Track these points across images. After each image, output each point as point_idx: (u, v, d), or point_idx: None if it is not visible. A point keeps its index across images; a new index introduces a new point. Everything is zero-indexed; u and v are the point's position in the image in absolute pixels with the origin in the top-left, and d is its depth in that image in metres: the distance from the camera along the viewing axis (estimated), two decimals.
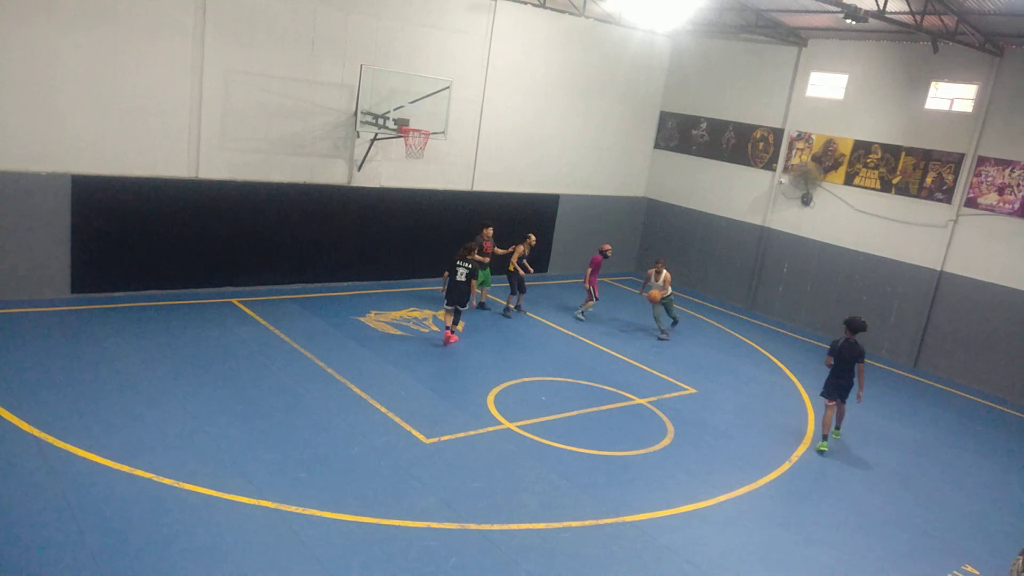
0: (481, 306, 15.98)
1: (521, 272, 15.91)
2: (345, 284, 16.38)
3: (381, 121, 15.21)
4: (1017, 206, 15.11)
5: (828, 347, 11.94)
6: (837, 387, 11.44)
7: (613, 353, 14.58)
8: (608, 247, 16.73)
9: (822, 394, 11.63)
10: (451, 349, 13.42)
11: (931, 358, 16.34)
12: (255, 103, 14.51)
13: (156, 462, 8.50)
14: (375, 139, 15.77)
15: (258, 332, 12.96)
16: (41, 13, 12.12)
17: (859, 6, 13.37)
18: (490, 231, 15.66)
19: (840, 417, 11.84)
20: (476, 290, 15.24)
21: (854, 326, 11.26)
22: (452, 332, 13.57)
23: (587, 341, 15.07)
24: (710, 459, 10.74)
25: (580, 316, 16.35)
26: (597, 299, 16.46)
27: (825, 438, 11.51)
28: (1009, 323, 15.20)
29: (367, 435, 9.90)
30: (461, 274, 13.39)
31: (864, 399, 13.94)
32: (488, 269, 15.69)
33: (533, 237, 16.39)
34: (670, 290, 15.90)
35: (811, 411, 13.14)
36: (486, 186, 18.31)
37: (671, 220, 21.18)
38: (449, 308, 13.59)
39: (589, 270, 16.21)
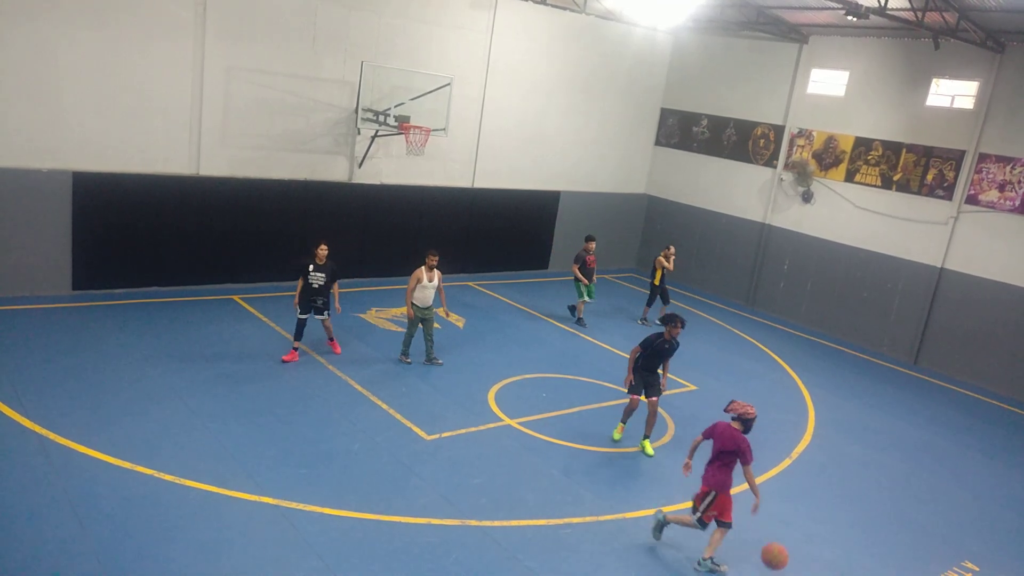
0: (580, 321, 15.81)
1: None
2: (345, 281, 16.35)
3: (382, 118, 15.20)
4: (1018, 203, 15.10)
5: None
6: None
7: (613, 350, 14.58)
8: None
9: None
10: (447, 347, 13.36)
11: (931, 355, 16.35)
12: (256, 100, 14.51)
13: (158, 459, 8.53)
14: (376, 136, 15.77)
15: (259, 329, 12.98)
16: (43, 10, 12.12)
17: (860, 3, 13.35)
18: (592, 245, 15.81)
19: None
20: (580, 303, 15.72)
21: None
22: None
23: (587, 338, 15.07)
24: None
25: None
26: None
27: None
28: (1009, 320, 15.20)
29: (368, 432, 9.92)
30: (319, 278, 11.65)
31: (864, 395, 14.03)
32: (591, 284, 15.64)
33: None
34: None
35: (811, 408, 13.15)
36: (487, 183, 18.32)
37: (672, 217, 21.16)
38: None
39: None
